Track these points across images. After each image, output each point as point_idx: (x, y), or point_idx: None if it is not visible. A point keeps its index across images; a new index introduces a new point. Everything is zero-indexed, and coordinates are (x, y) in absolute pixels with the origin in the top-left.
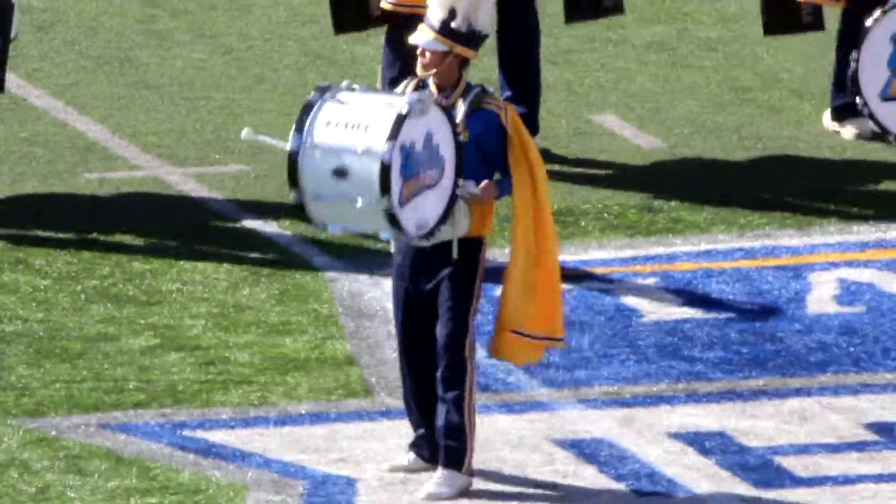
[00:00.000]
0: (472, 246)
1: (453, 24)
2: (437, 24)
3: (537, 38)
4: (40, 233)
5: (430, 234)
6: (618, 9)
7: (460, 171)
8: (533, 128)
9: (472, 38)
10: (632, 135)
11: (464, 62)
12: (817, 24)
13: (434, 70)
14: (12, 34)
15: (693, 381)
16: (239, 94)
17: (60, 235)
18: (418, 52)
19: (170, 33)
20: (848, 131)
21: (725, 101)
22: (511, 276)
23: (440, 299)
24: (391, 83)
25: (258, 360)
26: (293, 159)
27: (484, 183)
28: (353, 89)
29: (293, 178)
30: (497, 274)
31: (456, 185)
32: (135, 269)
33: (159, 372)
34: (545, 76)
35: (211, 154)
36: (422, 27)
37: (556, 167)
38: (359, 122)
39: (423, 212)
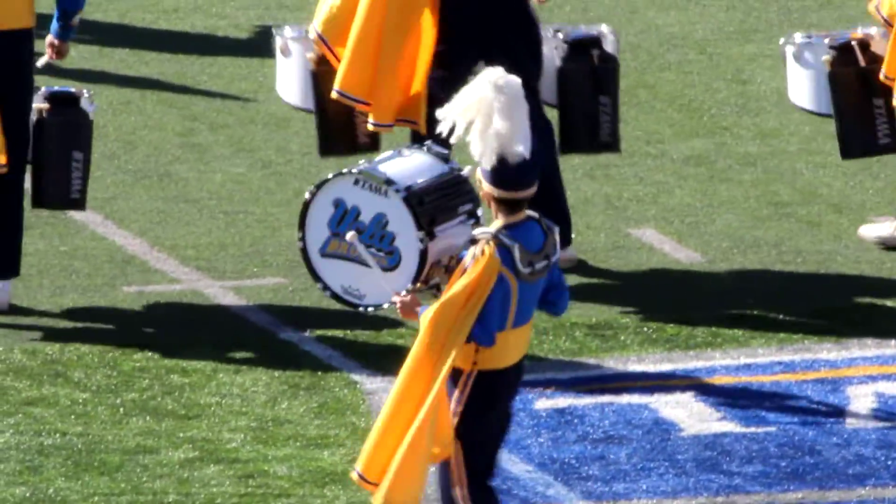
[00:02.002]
0: (456, 376)
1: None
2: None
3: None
4: (79, 346)
5: (357, 307)
6: (614, 146)
7: (417, 277)
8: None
9: (489, 171)
10: (670, 249)
11: (497, 198)
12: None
13: (482, 195)
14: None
15: (732, 494)
16: (277, 207)
17: (99, 348)
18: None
19: (209, 147)
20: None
21: (764, 215)
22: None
23: None
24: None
25: (296, 474)
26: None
27: (410, 297)
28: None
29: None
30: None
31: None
32: (174, 382)
33: (198, 485)
34: (584, 190)
35: (249, 267)
36: None
37: (595, 280)
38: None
39: (355, 282)
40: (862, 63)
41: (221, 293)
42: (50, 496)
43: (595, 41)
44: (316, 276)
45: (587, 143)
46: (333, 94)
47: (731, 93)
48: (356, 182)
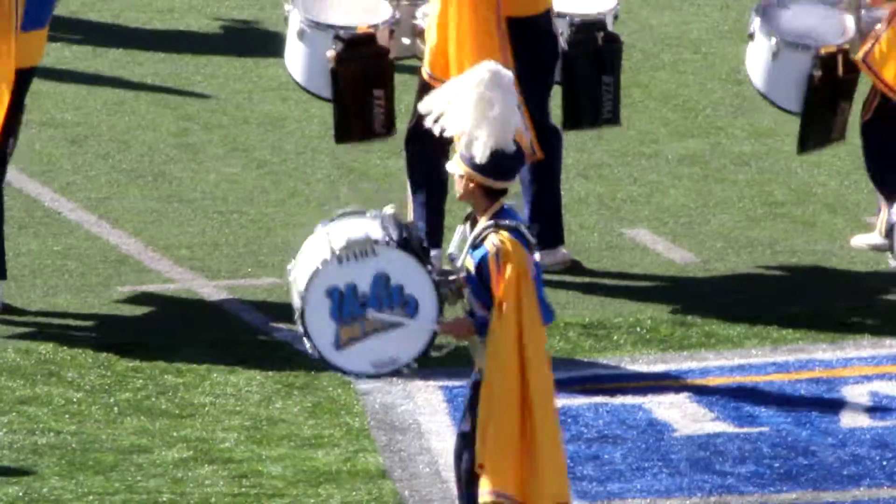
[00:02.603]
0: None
1: (463, 150)
2: (459, 149)
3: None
4: (73, 345)
5: (399, 371)
6: (615, 119)
7: (441, 309)
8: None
9: (479, 165)
10: (664, 249)
11: (487, 190)
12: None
13: (462, 193)
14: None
15: (725, 494)
16: (272, 207)
17: (93, 348)
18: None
19: (203, 147)
20: None
21: (758, 215)
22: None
23: (465, 423)
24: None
25: (290, 474)
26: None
27: (453, 319)
28: (369, 216)
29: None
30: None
31: (438, 323)
32: (167, 381)
33: (192, 485)
34: (578, 190)
35: (243, 267)
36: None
37: (588, 280)
38: (310, 259)
39: (383, 352)
40: (840, 72)
41: (215, 293)
42: (44, 495)
43: (600, 23)
44: (344, 372)
45: (589, 120)
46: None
47: (725, 93)
48: (340, 261)
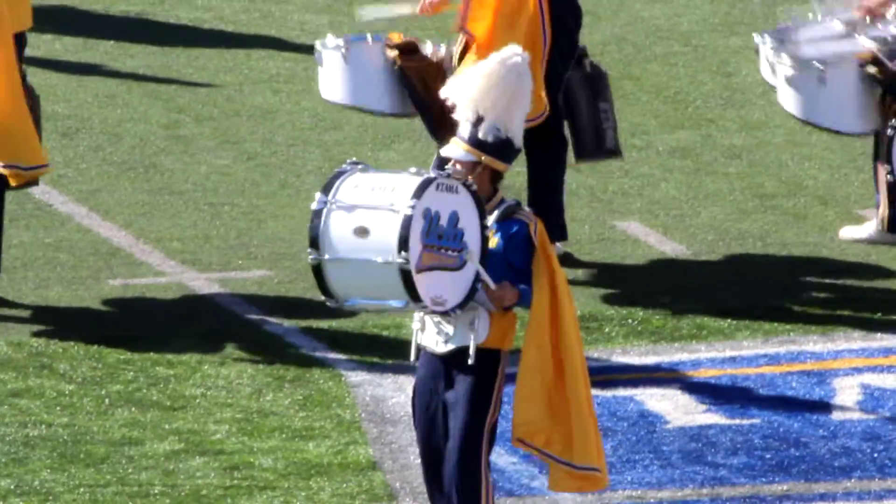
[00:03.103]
0: (491, 357)
1: (480, 134)
2: (466, 134)
3: (563, 155)
4: (65, 338)
5: (446, 312)
6: (617, 153)
7: (484, 264)
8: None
9: (500, 149)
10: (656, 241)
11: (495, 175)
12: None
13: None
14: None
15: (717, 486)
16: (263, 199)
17: (84, 340)
18: (450, 164)
19: (194, 139)
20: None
21: (750, 207)
22: (522, 381)
23: (455, 412)
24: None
25: (282, 466)
26: (316, 218)
27: (504, 283)
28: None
29: (314, 239)
30: None
31: (477, 278)
32: (159, 374)
33: (184, 477)
34: (569, 182)
35: (234, 259)
36: (453, 139)
37: (580, 273)
38: (385, 186)
39: (440, 289)
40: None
41: (206, 285)
42: (35, 488)
43: (584, 51)
44: (415, 295)
45: (594, 150)
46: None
47: (716, 85)
48: (437, 187)
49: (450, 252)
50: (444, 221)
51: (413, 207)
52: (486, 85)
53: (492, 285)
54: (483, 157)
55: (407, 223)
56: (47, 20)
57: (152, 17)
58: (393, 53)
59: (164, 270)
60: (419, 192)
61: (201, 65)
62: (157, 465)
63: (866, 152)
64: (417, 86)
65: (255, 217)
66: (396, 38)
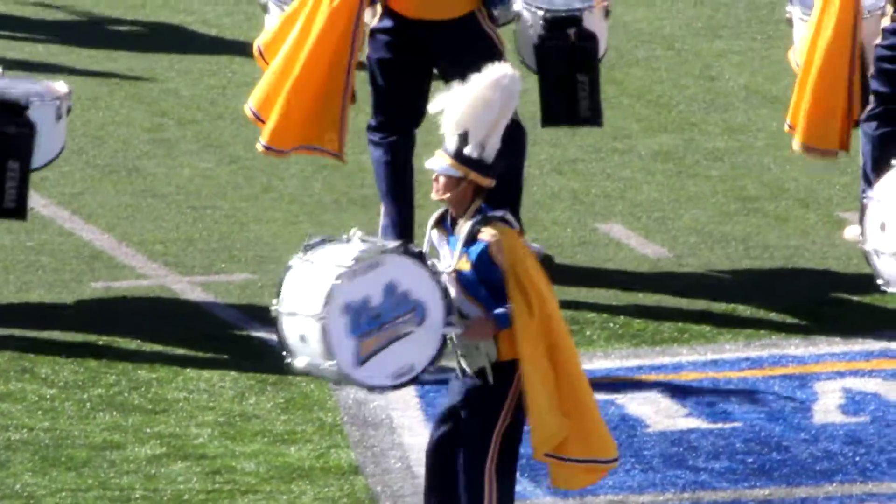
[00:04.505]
0: (508, 369)
1: (466, 150)
2: (452, 148)
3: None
4: (46, 341)
5: (416, 377)
6: (594, 120)
7: (450, 310)
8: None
9: (486, 165)
10: (638, 244)
11: (478, 189)
12: None
13: (447, 195)
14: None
15: (698, 490)
16: (245, 202)
17: (66, 344)
18: (433, 177)
19: (177, 142)
20: None
21: (732, 210)
22: (531, 398)
23: (465, 419)
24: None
25: (263, 470)
26: (277, 325)
27: (474, 320)
28: (344, 241)
29: (283, 345)
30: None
31: (448, 325)
32: (141, 377)
33: (165, 481)
34: (551, 185)
35: (217, 263)
36: (438, 152)
37: (561, 276)
38: (312, 285)
39: (400, 360)
40: None
41: (189, 289)
42: (17, 491)
43: (574, 20)
44: (369, 388)
45: (566, 117)
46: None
47: (699, 89)
48: (354, 275)
49: (399, 320)
50: (376, 302)
51: (323, 318)
52: (477, 106)
53: (459, 330)
54: (471, 175)
55: (324, 332)
56: (29, 23)
57: (135, 21)
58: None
59: (146, 273)
60: (328, 298)
61: (184, 68)
62: (138, 469)
63: (847, 155)
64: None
65: (237, 220)
66: None
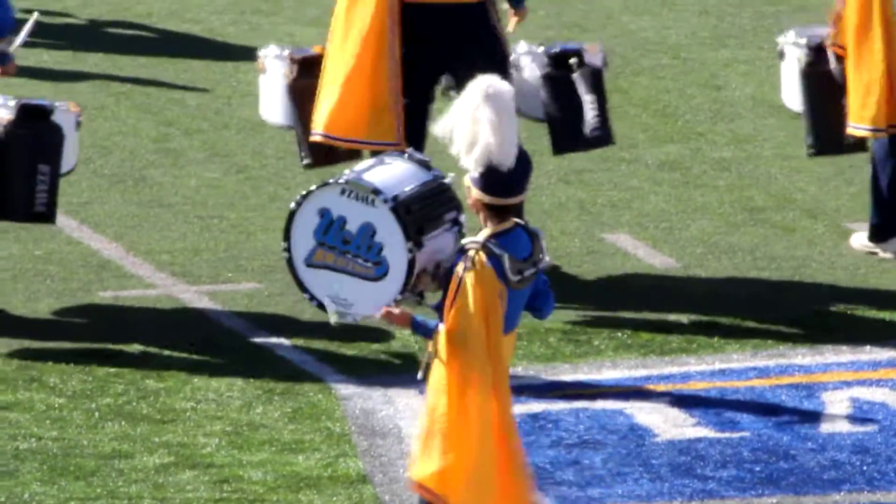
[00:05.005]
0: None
1: (467, 165)
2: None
3: None
4: (54, 351)
5: (344, 316)
6: (601, 140)
7: (405, 287)
8: None
9: (484, 182)
10: (645, 254)
11: (486, 204)
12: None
13: (470, 203)
14: (68, 167)
15: (706, 499)
16: (252, 212)
17: (74, 353)
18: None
19: (183, 152)
20: (889, 247)
21: (738, 220)
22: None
23: None
24: None
25: (271, 479)
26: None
27: (397, 310)
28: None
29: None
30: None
31: (396, 299)
32: (149, 387)
33: (173, 490)
34: (558, 195)
35: (224, 272)
36: None
37: (569, 286)
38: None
39: (341, 291)
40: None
41: (196, 298)
42: (25, 501)
43: (575, 52)
44: (302, 287)
45: (572, 144)
46: (317, 138)
47: (705, 98)
48: (343, 192)
49: (360, 260)
50: (351, 227)
51: (298, 203)
52: (465, 118)
53: (395, 310)
54: (473, 191)
55: (290, 216)
56: (35, 33)
57: (141, 30)
58: (285, 72)
59: (154, 283)
60: (308, 191)
61: (190, 78)
62: (146, 478)
63: (855, 165)
64: (303, 105)
65: (244, 230)
66: (318, 49)
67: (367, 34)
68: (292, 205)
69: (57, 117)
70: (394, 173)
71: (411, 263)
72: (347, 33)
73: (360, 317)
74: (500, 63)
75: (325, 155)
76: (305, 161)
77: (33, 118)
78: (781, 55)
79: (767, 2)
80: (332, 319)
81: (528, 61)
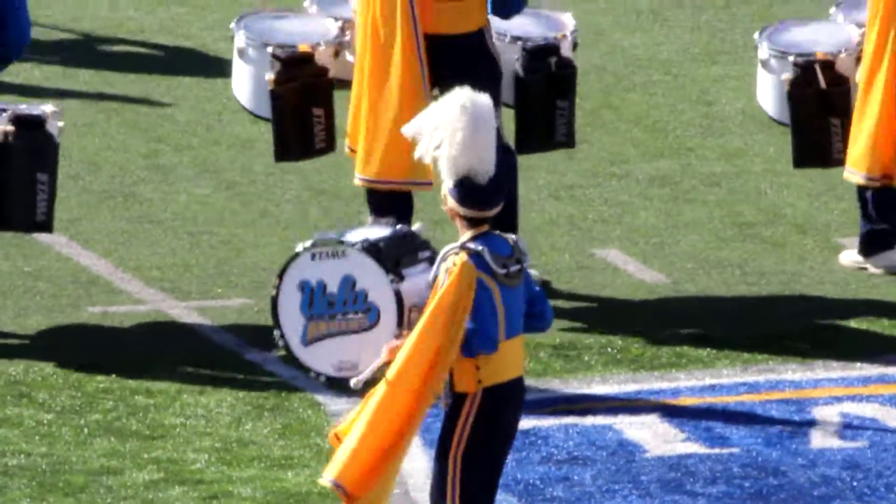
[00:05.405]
0: (459, 400)
1: (441, 174)
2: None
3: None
4: (44, 367)
5: (358, 377)
6: (568, 143)
7: (400, 320)
8: None
9: (457, 193)
10: (635, 269)
11: (464, 217)
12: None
13: (446, 210)
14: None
15: None
16: (242, 228)
17: (64, 369)
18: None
19: (173, 168)
20: (878, 262)
21: (729, 236)
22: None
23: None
24: None
25: (260, 495)
26: None
27: (399, 341)
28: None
29: None
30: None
31: (397, 332)
32: (138, 403)
33: None
34: (549, 210)
35: (214, 288)
36: None
37: (559, 301)
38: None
39: (344, 354)
40: (822, 84)
41: (186, 314)
42: None
43: (553, 49)
44: (308, 369)
45: (542, 144)
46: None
47: (695, 114)
48: (313, 257)
49: (350, 315)
50: (332, 288)
51: (276, 287)
52: (441, 129)
53: (397, 342)
54: (449, 201)
55: (273, 302)
56: (26, 48)
57: (132, 46)
58: (269, 77)
59: (143, 298)
60: (284, 268)
61: (180, 94)
62: (136, 494)
63: (844, 180)
64: (285, 109)
65: (234, 246)
66: (303, 47)
67: (403, 76)
68: (272, 290)
69: (49, 126)
70: (360, 230)
71: (398, 295)
72: (382, 74)
73: (370, 371)
74: (494, 84)
75: (300, 148)
76: (281, 157)
77: (27, 128)
78: (765, 64)
79: (759, 18)
80: (352, 384)
81: (501, 47)
